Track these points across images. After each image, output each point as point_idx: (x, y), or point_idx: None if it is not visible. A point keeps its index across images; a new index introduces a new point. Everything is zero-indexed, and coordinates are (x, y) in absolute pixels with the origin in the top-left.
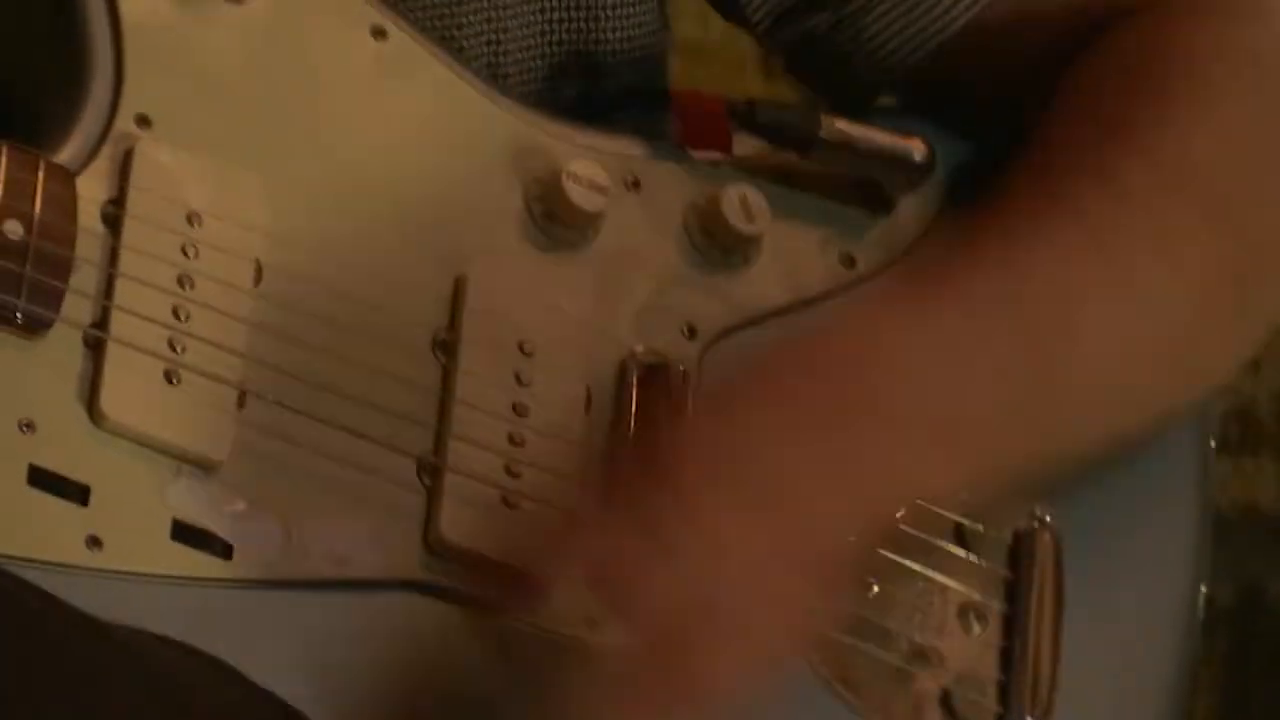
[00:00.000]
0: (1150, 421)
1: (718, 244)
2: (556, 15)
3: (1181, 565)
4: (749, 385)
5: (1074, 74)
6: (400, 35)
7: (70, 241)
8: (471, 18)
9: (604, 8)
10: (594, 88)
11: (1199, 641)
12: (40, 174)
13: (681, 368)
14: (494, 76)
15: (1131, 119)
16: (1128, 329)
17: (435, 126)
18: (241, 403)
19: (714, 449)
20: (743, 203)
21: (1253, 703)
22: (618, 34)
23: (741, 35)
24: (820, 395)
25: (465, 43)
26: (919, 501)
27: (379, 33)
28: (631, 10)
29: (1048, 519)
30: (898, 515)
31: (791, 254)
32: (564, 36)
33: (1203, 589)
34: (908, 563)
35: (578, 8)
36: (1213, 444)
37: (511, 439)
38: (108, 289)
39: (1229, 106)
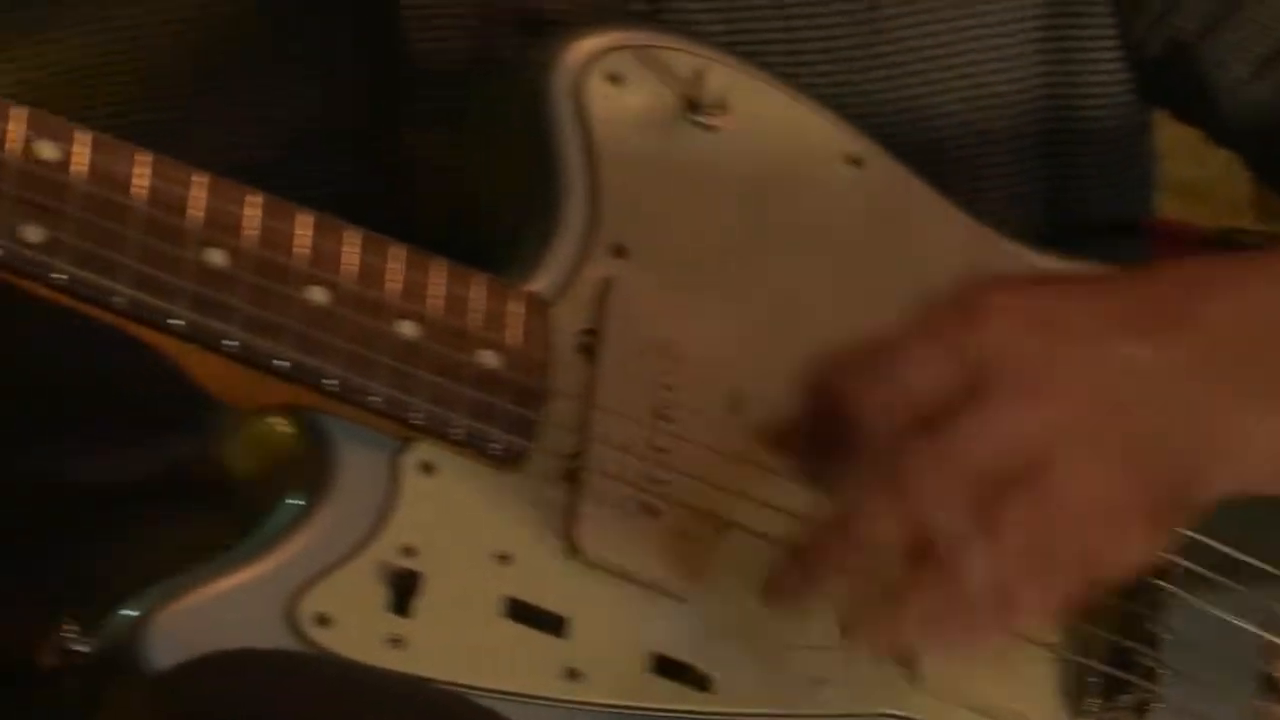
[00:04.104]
0: None
1: None
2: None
3: None
4: (1085, 303)
5: None
6: (878, 162)
7: (545, 371)
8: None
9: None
10: (1067, 205)
11: None
12: (516, 304)
13: None
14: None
15: None
16: None
17: (910, 250)
18: (720, 534)
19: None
20: None
21: None
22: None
23: (1238, 173)
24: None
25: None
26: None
27: (854, 161)
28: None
29: None
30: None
31: None
32: (1045, 168)
33: None
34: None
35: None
36: None
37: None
38: (584, 420)
39: None
